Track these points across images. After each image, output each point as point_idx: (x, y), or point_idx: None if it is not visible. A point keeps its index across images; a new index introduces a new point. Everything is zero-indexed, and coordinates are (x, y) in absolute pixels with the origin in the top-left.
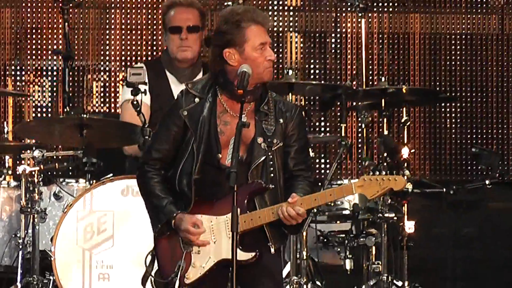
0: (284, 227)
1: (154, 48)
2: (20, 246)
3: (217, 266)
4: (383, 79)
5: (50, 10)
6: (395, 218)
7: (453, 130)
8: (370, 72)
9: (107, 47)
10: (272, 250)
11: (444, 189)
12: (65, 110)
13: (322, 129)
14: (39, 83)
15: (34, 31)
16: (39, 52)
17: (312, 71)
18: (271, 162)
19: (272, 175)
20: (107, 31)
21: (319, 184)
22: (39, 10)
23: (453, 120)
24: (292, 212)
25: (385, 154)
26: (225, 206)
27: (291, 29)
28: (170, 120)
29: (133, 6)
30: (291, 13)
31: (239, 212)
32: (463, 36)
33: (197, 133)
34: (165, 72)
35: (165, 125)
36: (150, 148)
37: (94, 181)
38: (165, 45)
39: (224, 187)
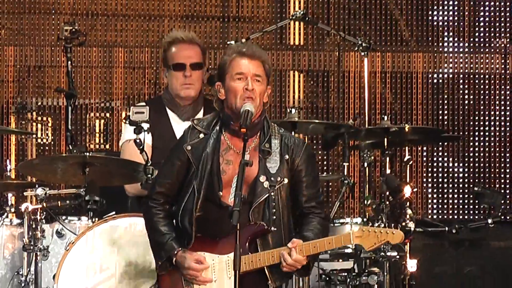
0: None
1: (157, 86)
2: (23, 284)
3: None
4: (385, 118)
5: (53, 48)
6: (398, 256)
7: (456, 169)
8: (373, 111)
9: (110, 85)
10: None
11: (447, 228)
12: (68, 148)
13: (325, 168)
14: (41, 121)
15: (37, 69)
16: (42, 90)
17: (315, 110)
18: (274, 203)
19: (274, 217)
20: (110, 70)
21: None
22: (42, 48)
23: (456, 159)
24: (289, 260)
25: (388, 193)
26: (227, 245)
27: (293, 68)
28: (174, 155)
29: (136, 44)
30: (294, 52)
31: (241, 253)
32: (466, 75)
33: (199, 170)
34: (166, 110)
35: (170, 159)
36: (154, 182)
37: (97, 219)
38: (166, 82)
39: (225, 225)
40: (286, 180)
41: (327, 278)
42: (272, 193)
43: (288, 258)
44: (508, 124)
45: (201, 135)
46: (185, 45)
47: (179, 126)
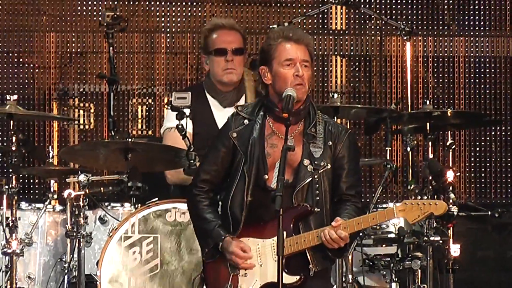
0: (328, 250)
1: (199, 72)
2: (66, 271)
3: None
4: (428, 102)
5: (94, 34)
6: (441, 241)
7: (498, 153)
8: (415, 96)
9: (152, 71)
10: (312, 272)
11: (489, 212)
12: (110, 134)
13: (368, 152)
14: (83, 108)
15: (78, 55)
16: (83, 76)
17: (357, 95)
18: (317, 185)
19: (318, 198)
20: (152, 55)
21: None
22: (84, 34)
23: (498, 143)
24: (334, 235)
25: (430, 178)
26: (271, 229)
27: (336, 53)
28: (219, 142)
29: (178, 30)
30: (336, 37)
31: (285, 236)
32: (508, 59)
33: (247, 155)
34: (206, 97)
35: (215, 146)
36: (199, 169)
37: (139, 205)
38: (206, 69)
39: (270, 209)
40: (329, 166)
41: (371, 263)
42: (316, 177)
43: (333, 233)
44: None
45: (246, 121)
46: (226, 31)
47: (219, 113)
